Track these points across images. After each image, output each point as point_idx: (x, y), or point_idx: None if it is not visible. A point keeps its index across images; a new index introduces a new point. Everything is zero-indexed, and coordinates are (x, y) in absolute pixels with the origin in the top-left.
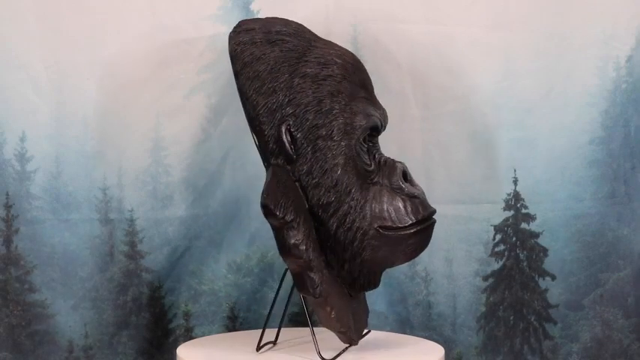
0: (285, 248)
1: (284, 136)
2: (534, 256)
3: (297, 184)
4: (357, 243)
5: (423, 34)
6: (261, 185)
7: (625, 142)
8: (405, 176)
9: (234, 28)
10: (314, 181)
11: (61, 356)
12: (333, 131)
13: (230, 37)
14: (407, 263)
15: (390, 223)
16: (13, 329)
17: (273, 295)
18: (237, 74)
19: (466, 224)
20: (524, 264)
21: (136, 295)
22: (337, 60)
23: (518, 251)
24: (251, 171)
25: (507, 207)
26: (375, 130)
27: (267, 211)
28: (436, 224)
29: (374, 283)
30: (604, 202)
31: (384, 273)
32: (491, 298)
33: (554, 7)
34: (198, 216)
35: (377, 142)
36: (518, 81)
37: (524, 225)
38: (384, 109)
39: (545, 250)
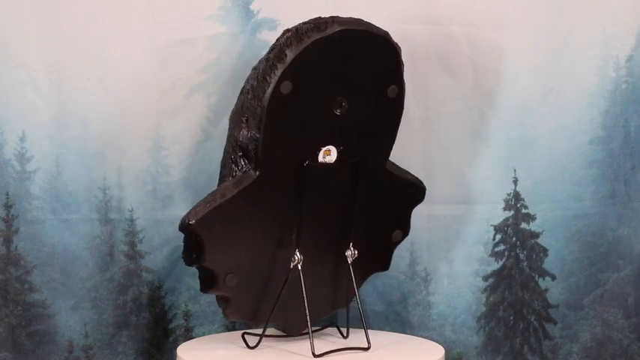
0: None
1: None
2: (534, 256)
3: None
4: None
5: (423, 34)
6: None
7: (625, 142)
8: None
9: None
10: None
11: (61, 356)
12: None
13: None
14: (407, 263)
15: None
16: (13, 329)
17: None
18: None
19: (466, 224)
20: (524, 264)
21: (136, 295)
22: None
23: (518, 251)
24: None
25: (507, 207)
26: None
27: None
28: (436, 224)
29: None
30: (604, 202)
31: (384, 273)
32: (491, 298)
33: (554, 6)
34: None
35: None
36: (518, 81)
37: (524, 225)
38: None
39: (545, 250)
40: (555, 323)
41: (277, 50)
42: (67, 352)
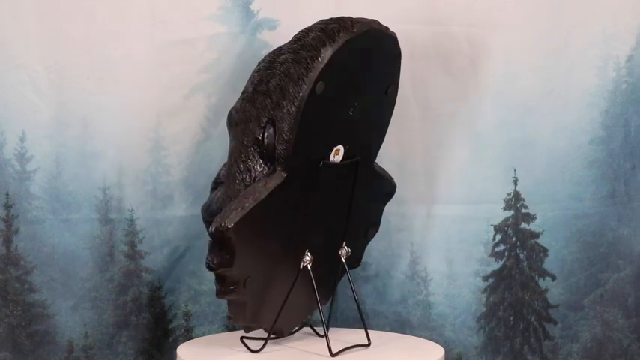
0: None
1: None
2: (534, 256)
3: None
4: None
5: (423, 34)
6: None
7: (625, 142)
8: None
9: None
10: None
11: (61, 356)
12: None
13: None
14: (407, 263)
15: None
16: (13, 329)
17: None
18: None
19: (466, 224)
20: (524, 264)
21: (136, 295)
22: None
23: (518, 251)
24: None
25: (507, 207)
26: None
27: None
28: (436, 224)
29: None
30: (604, 202)
31: (385, 272)
32: (491, 298)
33: (554, 6)
34: (198, 216)
35: None
36: (518, 81)
37: (524, 225)
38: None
39: (545, 250)
40: (555, 323)
41: (309, 50)
42: (67, 352)
